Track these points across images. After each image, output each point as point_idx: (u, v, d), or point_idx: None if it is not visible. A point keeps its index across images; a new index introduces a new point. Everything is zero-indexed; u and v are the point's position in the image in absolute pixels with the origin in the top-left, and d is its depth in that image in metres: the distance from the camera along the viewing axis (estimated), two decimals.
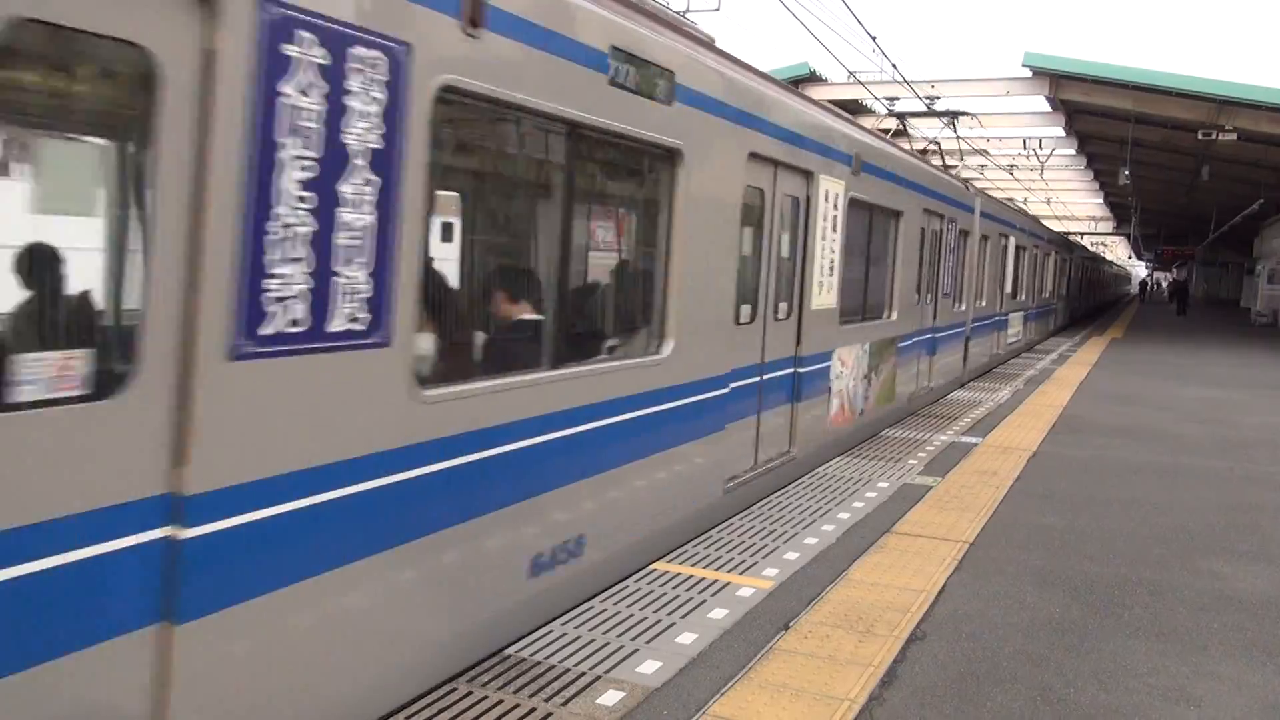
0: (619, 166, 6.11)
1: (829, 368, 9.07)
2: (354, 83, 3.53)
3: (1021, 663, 4.75)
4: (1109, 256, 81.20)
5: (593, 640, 4.72)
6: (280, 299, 3.31)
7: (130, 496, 2.90)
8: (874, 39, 17.06)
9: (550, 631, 4.81)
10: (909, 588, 5.69)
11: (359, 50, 3.53)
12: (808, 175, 8.09)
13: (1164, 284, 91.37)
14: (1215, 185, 33.23)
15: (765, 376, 7.63)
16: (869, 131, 10.79)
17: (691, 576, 5.68)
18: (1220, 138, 23.84)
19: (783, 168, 7.60)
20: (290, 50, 3.27)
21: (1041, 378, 17.21)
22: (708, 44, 6.66)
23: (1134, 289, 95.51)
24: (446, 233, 5.71)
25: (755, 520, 6.92)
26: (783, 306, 7.93)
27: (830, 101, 18.41)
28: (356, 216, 3.59)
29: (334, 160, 3.47)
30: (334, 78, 3.44)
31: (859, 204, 9.47)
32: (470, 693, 4.14)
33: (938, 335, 13.64)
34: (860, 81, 23.60)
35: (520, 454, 4.68)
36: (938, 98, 24.75)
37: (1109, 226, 65.36)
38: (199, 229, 3.04)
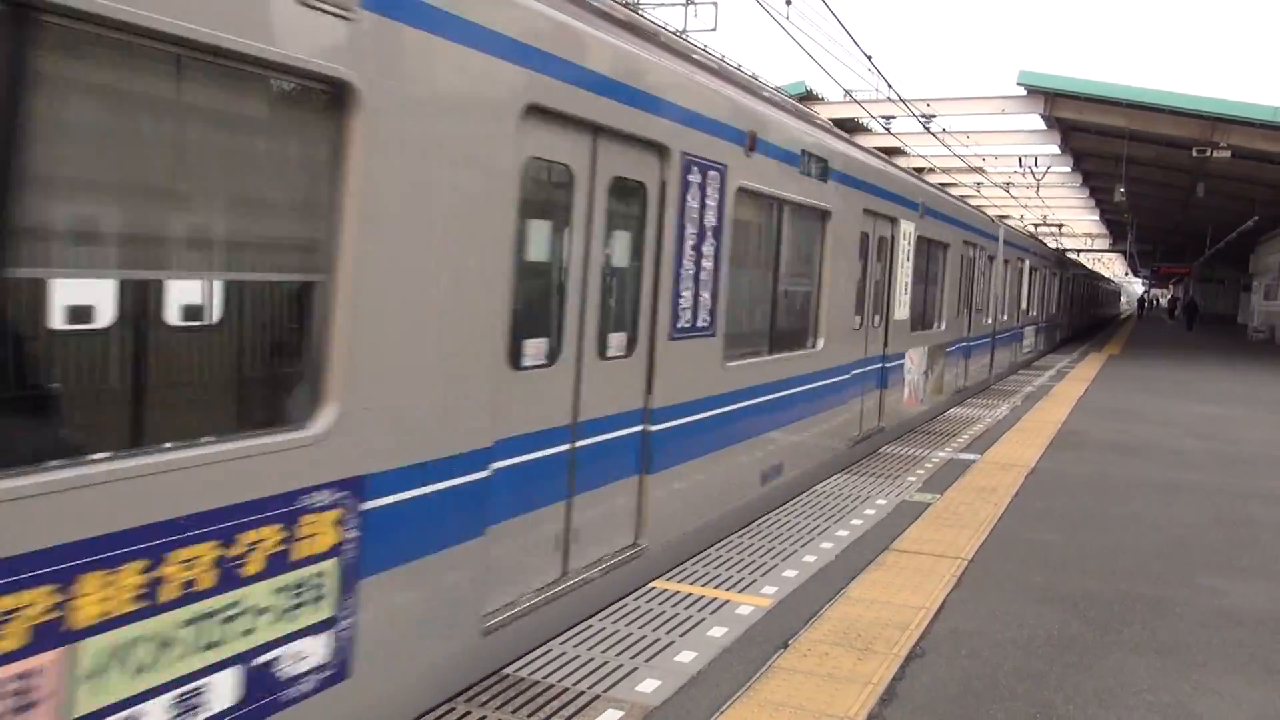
0: None
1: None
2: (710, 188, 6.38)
3: (1021, 679, 4.74)
4: (1098, 270, 72.91)
5: (592, 659, 4.71)
6: (684, 310, 6.22)
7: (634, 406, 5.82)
8: (869, 58, 17.13)
9: (549, 650, 4.80)
10: (908, 605, 5.68)
11: (710, 171, 6.37)
12: None
13: (1162, 301, 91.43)
14: (1210, 202, 33.37)
15: None
16: None
17: (690, 594, 5.67)
18: (1215, 155, 23.95)
19: None
20: (689, 176, 6.11)
21: (1040, 394, 17.23)
22: None
23: (1123, 308, 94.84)
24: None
25: (755, 538, 6.91)
26: None
27: (828, 119, 18.53)
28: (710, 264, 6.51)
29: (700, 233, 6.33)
30: (701, 186, 6.28)
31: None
32: (469, 713, 4.13)
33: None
34: (856, 100, 23.74)
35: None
36: (934, 116, 24.89)
37: (1105, 243, 65.55)
38: (659, 274, 5.92)
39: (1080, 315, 45.34)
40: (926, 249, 12.79)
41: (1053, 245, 40.88)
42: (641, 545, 5.95)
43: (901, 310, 11.59)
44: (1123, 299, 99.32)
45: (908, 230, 11.56)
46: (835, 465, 9.74)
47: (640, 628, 5.13)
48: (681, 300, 6.16)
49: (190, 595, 3.09)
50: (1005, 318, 20.52)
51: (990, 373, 19.06)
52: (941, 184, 25.52)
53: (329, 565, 3.59)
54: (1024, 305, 23.49)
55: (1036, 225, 40.31)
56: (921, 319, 12.89)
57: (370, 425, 3.73)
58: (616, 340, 5.61)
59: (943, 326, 14.33)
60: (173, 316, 3.41)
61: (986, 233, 17.57)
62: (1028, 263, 23.28)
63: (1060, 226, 45.92)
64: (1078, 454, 11.06)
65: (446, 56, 3.97)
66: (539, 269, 5.00)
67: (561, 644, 4.88)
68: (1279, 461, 11.31)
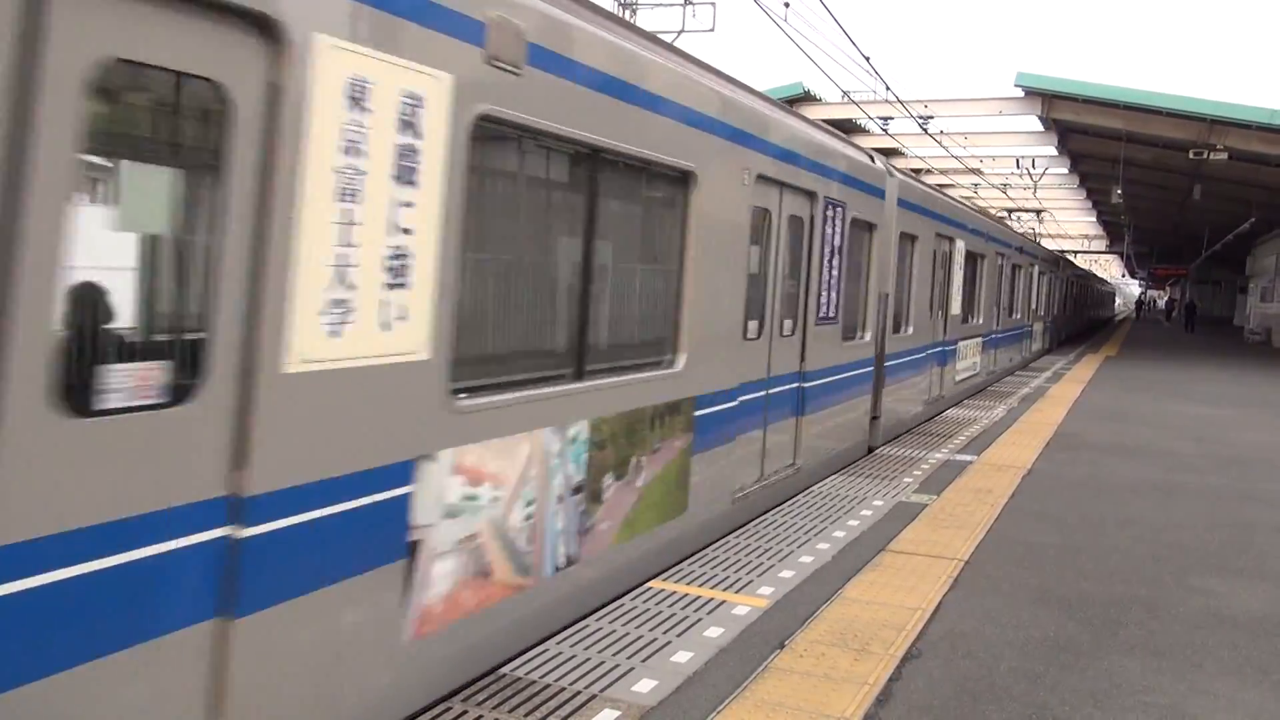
0: None
1: None
2: None
3: (1017, 680, 4.75)
4: (1087, 267, 63.44)
5: (588, 659, 4.72)
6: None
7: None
8: (868, 59, 17.16)
9: (546, 650, 4.81)
10: (904, 605, 5.69)
11: None
12: None
13: (1159, 302, 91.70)
14: (1207, 204, 33.44)
15: None
16: None
17: (687, 595, 5.67)
18: (1211, 157, 24.00)
19: None
20: None
21: (1036, 395, 17.25)
22: None
23: (1119, 309, 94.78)
24: None
25: (751, 538, 6.92)
26: None
27: (824, 120, 18.54)
28: None
29: None
30: None
31: None
32: (465, 712, 4.14)
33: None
34: (854, 101, 23.77)
35: None
36: (931, 117, 24.93)
37: (1102, 245, 65.62)
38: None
39: (1063, 321, 35.78)
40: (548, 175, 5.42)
41: (1041, 240, 38.37)
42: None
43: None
44: (1118, 300, 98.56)
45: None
46: None
47: (637, 628, 5.14)
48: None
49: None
50: (910, 330, 12.51)
51: (879, 429, 11.37)
52: (939, 185, 25.52)
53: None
54: (957, 309, 15.39)
55: (1011, 211, 38.99)
56: (607, 347, 5.85)
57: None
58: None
59: (681, 362, 6.40)
60: None
61: (845, 176, 9.27)
62: (961, 244, 15.09)
63: (1040, 213, 37.55)
64: (1074, 455, 11.08)
65: None
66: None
67: (558, 644, 4.88)
68: (1275, 463, 11.34)
